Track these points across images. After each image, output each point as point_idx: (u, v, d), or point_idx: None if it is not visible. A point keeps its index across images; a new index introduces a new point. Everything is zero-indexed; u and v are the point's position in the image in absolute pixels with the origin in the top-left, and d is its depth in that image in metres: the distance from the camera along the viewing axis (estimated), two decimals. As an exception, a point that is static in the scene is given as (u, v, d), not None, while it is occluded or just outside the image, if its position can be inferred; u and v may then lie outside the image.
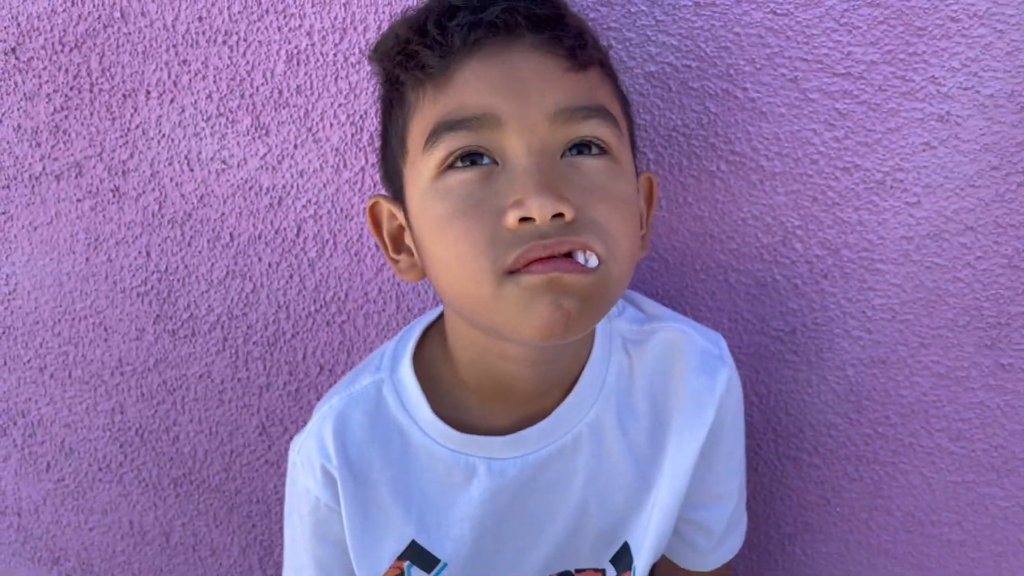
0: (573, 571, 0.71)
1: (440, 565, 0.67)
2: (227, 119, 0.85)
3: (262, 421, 1.01)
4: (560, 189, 0.53)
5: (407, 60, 0.56)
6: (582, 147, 0.56)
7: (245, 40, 0.82)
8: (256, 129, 0.85)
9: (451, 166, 0.55)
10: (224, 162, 0.87)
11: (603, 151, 0.56)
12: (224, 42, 0.82)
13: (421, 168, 0.56)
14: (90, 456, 1.09)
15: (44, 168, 0.92)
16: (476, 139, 0.54)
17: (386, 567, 0.67)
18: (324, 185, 0.86)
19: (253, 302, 0.94)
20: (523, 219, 0.52)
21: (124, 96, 0.87)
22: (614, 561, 0.71)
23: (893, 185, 0.74)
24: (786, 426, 0.86)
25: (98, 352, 1.01)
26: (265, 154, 0.86)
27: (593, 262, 0.54)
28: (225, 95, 0.84)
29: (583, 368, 0.66)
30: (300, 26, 0.80)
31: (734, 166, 0.76)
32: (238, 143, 0.86)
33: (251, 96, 0.84)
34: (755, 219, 0.78)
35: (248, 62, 0.82)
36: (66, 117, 0.89)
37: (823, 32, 0.70)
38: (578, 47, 0.55)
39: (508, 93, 0.54)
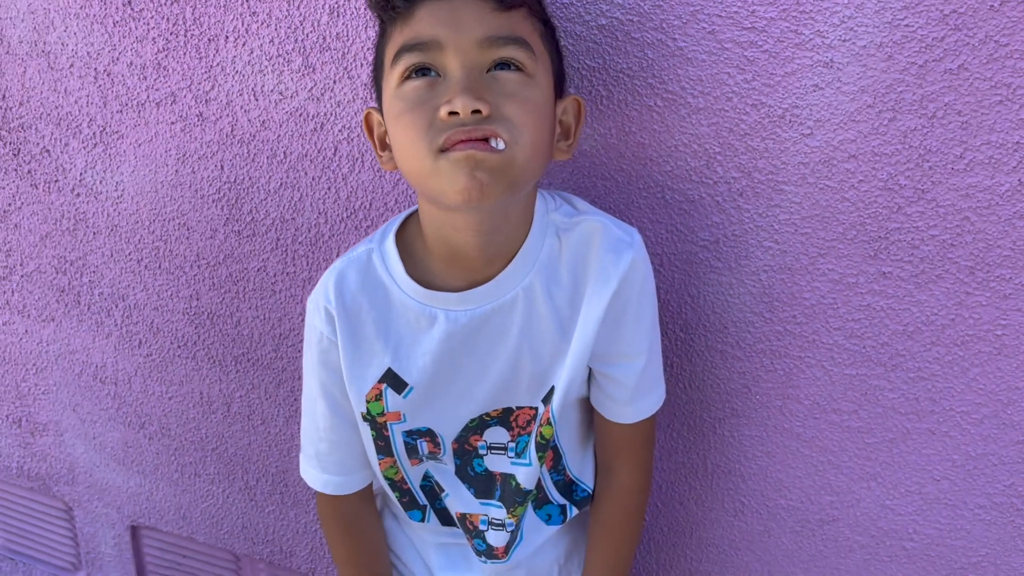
0: (514, 407, 0.93)
1: (408, 388, 0.90)
2: (284, 59, 1.10)
3: (304, 310, 1.25)
4: (480, 92, 0.75)
5: (385, 3, 0.79)
6: (504, 66, 0.77)
7: (299, -4, 1.06)
8: (305, 67, 1.09)
9: (408, 77, 0.78)
10: (281, 94, 1.12)
11: (518, 69, 0.78)
12: (284, -2, 1.06)
13: (389, 79, 0.79)
14: (172, 335, 1.36)
15: (148, 97, 1.19)
16: (425, 58, 0.77)
17: (369, 386, 0.90)
18: (356, 113, 1.09)
19: (300, 208, 1.18)
20: (452, 113, 0.74)
21: (209, 40, 1.12)
22: (544, 400, 0.92)
23: (791, 119, 0.92)
24: (713, 323, 1.05)
25: (181, 248, 1.28)
26: (312, 87, 1.10)
27: (501, 145, 0.75)
28: (283, 40, 1.09)
29: (522, 245, 0.87)
30: (340, -14, 1.03)
31: (667, 102, 0.96)
32: (292, 78, 1.10)
33: (302, 41, 1.08)
34: (684, 146, 0.97)
35: (301, 13, 1.06)
36: (166, 56, 1.15)
37: (732, -6, 0.89)
38: None
39: (449, 26, 0.76)
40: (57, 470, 1.61)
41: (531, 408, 0.93)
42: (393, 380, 0.90)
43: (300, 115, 1.12)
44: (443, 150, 0.75)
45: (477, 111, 0.74)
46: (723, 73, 0.92)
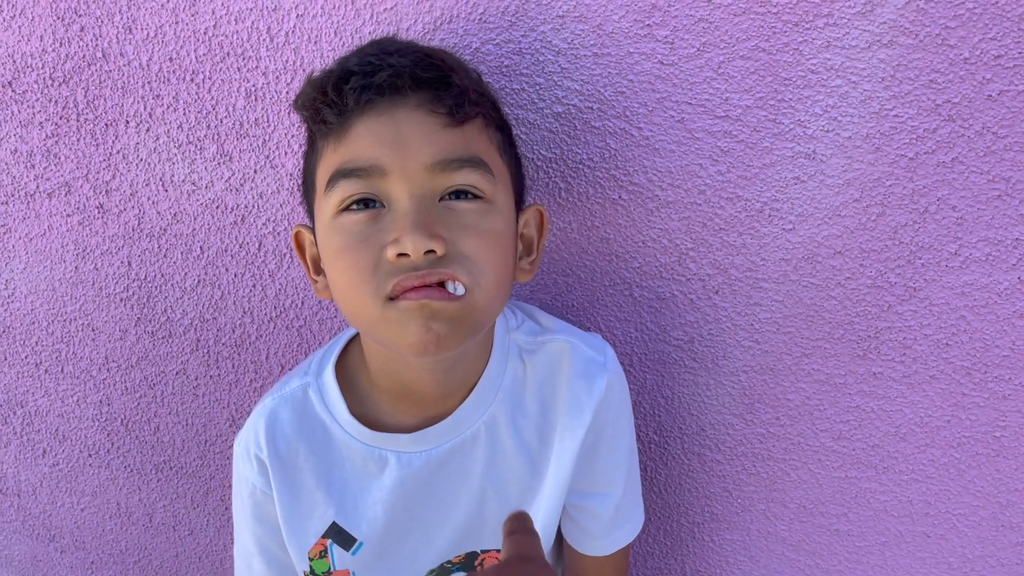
0: (479, 551, 0.82)
1: (357, 544, 0.78)
2: (195, 147, 0.96)
3: (232, 414, 1.12)
4: (433, 228, 0.63)
5: (315, 115, 0.67)
6: (459, 192, 0.66)
7: (210, 78, 0.92)
8: (221, 156, 0.96)
9: (347, 208, 0.66)
10: (194, 184, 0.98)
11: (476, 196, 0.66)
12: (192, 80, 0.93)
13: (324, 207, 0.67)
14: (81, 443, 1.21)
15: (38, 187, 1.04)
16: (365, 186, 0.64)
17: (312, 543, 0.78)
18: (281, 205, 0.97)
19: (222, 307, 1.05)
20: (401, 254, 0.62)
21: (107, 125, 0.98)
22: (515, 540, 0.82)
23: (771, 214, 0.83)
24: (690, 425, 0.96)
25: (87, 350, 1.13)
26: (229, 177, 0.97)
27: (460, 291, 0.64)
28: (193, 126, 0.95)
29: (482, 374, 0.76)
30: (257, 67, 0.90)
31: (633, 195, 0.86)
32: (205, 168, 0.97)
33: (216, 127, 0.95)
34: (653, 241, 0.88)
35: (213, 97, 0.93)
36: (56, 142, 1.00)
37: (704, 80, 0.80)
38: (457, 105, 0.65)
39: (392, 147, 0.64)
40: (-43, 585, 1.43)
41: (498, 551, 0.82)
42: (339, 535, 0.78)
43: (217, 207, 0.99)
44: (392, 298, 0.64)
45: (431, 251, 0.63)
46: (694, 164, 0.83)
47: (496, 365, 0.77)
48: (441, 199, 0.66)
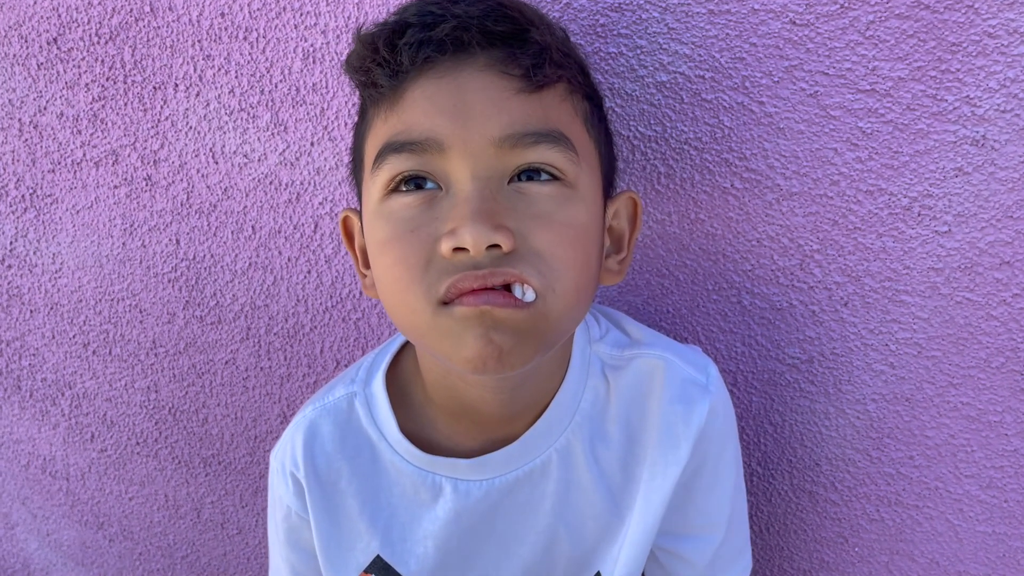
0: (548, 597, 0.70)
1: (405, 582, 0.67)
2: (248, 114, 0.86)
3: (283, 410, 1.03)
4: (500, 217, 0.50)
5: (365, 76, 0.55)
6: (532, 172, 0.53)
7: (264, 37, 0.82)
8: (275, 125, 0.85)
9: (396, 189, 0.54)
10: (246, 156, 0.88)
11: (554, 177, 0.53)
12: (245, 38, 0.82)
13: (371, 188, 0.55)
14: (129, 430, 1.13)
15: (84, 155, 0.95)
16: (419, 163, 0.52)
17: (353, 578, 0.67)
18: (339, 183, 0.86)
19: (274, 294, 0.95)
20: (458, 249, 0.50)
21: (155, 88, 0.89)
22: (588, 589, 0.69)
23: (921, 212, 0.68)
24: (801, 458, 0.81)
25: (135, 332, 1.05)
26: (284, 150, 0.86)
27: (530, 296, 0.51)
28: (246, 91, 0.85)
29: (556, 393, 0.63)
30: (316, 24, 0.79)
31: (749, 183, 0.71)
32: (259, 138, 0.87)
33: (270, 92, 0.84)
34: (771, 240, 0.73)
35: (267, 59, 0.83)
36: (103, 106, 0.92)
37: (846, 45, 0.65)
38: (535, 66, 0.52)
39: (453, 117, 0.51)
40: (11, 565, 1.39)
41: (569, 601, 0.70)
42: (384, 571, 0.67)
43: (271, 183, 0.89)
44: (446, 302, 0.51)
45: (495, 245, 0.50)
46: (827, 149, 0.68)
47: (574, 383, 0.64)
48: (511, 181, 0.53)
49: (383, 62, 0.53)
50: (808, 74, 0.66)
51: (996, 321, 0.70)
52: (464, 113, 0.51)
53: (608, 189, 0.62)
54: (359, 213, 0.63)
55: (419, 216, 0.52)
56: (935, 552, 0.80)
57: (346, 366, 0.97)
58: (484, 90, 0.52)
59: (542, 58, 0.53)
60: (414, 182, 0.53)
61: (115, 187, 0.96)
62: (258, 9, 0.81)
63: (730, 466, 0.68)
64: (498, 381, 0.59)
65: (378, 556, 0.66)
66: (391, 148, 0.53)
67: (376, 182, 0.54)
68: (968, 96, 0.63)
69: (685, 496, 0.67)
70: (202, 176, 0.91)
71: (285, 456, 0.67)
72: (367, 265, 0.62)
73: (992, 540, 0.78)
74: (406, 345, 0.69)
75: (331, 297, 0.92)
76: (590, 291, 0.57)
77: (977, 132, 0.64)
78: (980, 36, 0.61)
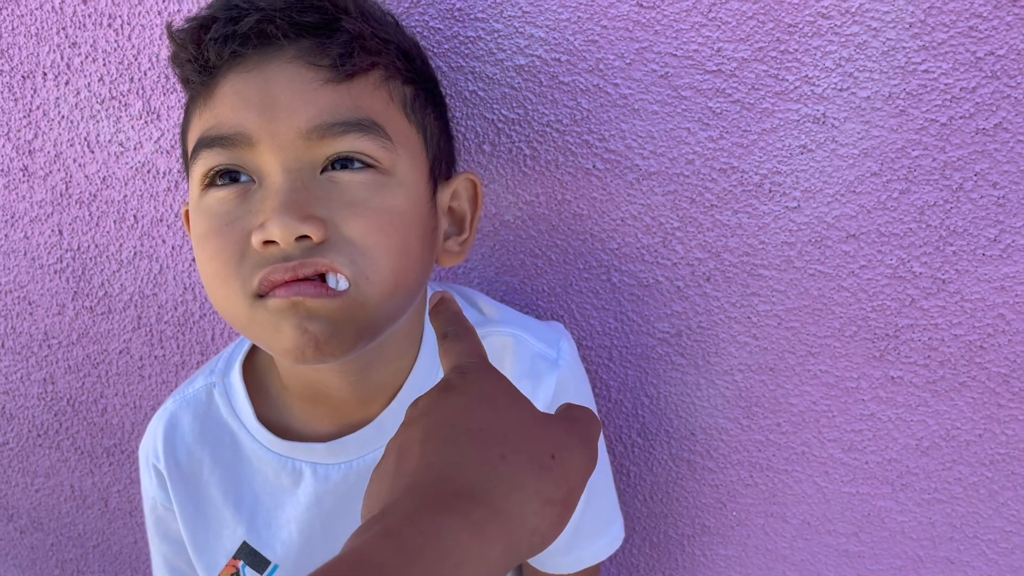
0: None
1: (271, 567, 0.68)
2: (119, 102, 0.85)
3: (180, 398, 1.02)
4: (309, 208, 0.51)
5: (178, 71, 0.55)
6: (345, 161, 0.53)
7: (128, 24, 0.80)
8: (147, 113, 0.84)
9: (212, 183, 0.54)
10: (121, 145, 0.87)
11: (367, 165, 0.54)
12: (109, 25, 0.81)
13: (191, 183, 0.55)
14: (29, 423, 1.12)
15: (-42, 146, 0.93)
16: (231, 157, 0.53)
17: (222, 565, 0.68)
18: (216, 170, 0.85)
19: (161, 282, 0.95)
20: (268, 242, 0.50)
21: (23, 77, 0.87)
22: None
23: (772, 188, 0.70)
24: (678, 428, 0.84)
25: (26, 324, 1.04)
26: (159, 138, 0.85)
27: (343, 284, 0.52)
28: (115, 79, 0.84)
29: (408, 375, 0.64)
30: (179, 10, 0.78)
31: (609, 164, 0.73)
32: (132, 126, 0.86)
33: (140, 80, 0.83)
34: (634, 219, 0.74)
35: (134, 45, 0.81)
36: (-27, 96, 0.90)
37: (692, 27, 0.66)
38: (344, 55, 0.52)
39: (260, 111, 0.52)
40: (-77, 559, 1.38)
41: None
42: (251, 556, 0.68)
43: (148, 171, 0.88)
44: (261, 295, 0.52)
45: (305, 236, 0.51)
46: (681, 129, 0.70)
47: (427, 364, 0.65)
48: (324, 171, 0.53)
49: (192, 58, 0.53)
50: (658, 55, 0.68)
51: (847, 292, 0.72)
52: (271, 106, 0.52)
53: (442, 171, 0.62)
54: None
55: (234, 210, 0.53)
56: (806, 513, 0.83)
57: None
58: (291, 82, 0.52)
59: (351, 47, 0.53)
60: (229, 176, 0.54)
61: (-7, 179, 0.94)
62: (120, -4, 0.79)
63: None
64: (340, 365, 0.59)
65: (244, 542, 0.67)
66: (203, 143, 0.53)
67: (194, 176, 0.55)
68: (807, 76, 0.65)
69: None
70: (79, 166, 0.90)
71: (148, 449, 0.67)
72: None
73: (857, 500, 0.81)
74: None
75: (218, 284, 0.92)
76: (415, 276, 0.57)
77: (818, 110, 0.66)
78: (814, 16, 0.63)
